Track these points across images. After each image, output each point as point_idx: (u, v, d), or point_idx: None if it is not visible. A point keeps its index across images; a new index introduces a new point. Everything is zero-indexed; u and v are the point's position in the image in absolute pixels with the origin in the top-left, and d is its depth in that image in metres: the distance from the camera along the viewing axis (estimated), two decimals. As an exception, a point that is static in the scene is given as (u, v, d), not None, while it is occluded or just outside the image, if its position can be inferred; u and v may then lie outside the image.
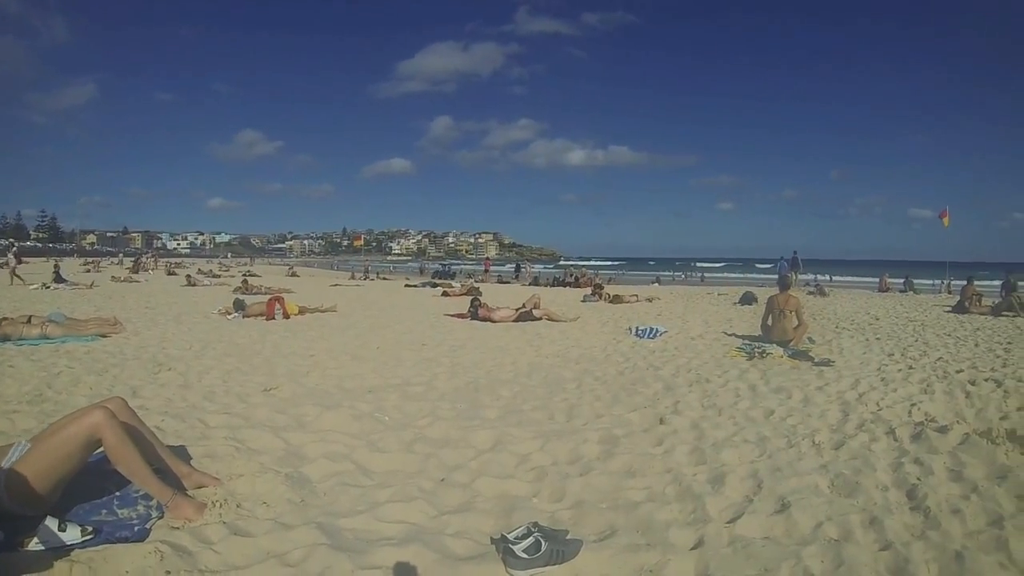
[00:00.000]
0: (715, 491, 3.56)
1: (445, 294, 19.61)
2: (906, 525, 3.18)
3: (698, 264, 72.39)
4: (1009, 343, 10.19)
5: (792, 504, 3.35)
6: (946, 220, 30.46)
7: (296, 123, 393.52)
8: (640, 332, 10.32)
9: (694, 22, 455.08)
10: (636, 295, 18.91)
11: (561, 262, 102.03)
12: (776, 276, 22.71)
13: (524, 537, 2.67)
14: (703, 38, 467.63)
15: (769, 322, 9.10)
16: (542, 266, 72.71)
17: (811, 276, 33.69)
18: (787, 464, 4.04)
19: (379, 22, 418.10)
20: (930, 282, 33.86)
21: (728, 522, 3.20)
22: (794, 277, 30.72)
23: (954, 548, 2.86)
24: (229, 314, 12.20)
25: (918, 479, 3.76)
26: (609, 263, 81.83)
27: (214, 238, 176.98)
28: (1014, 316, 14.59)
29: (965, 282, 17.64)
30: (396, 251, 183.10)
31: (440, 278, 31.64)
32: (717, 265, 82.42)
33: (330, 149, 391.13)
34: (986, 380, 6.69)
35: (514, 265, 41.23)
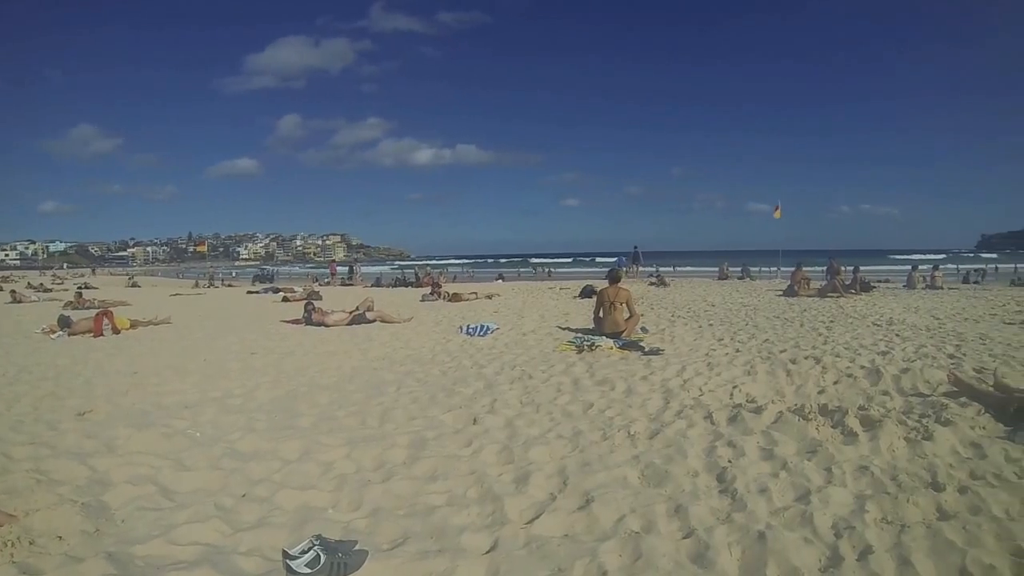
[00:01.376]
0: (518, 491, 3.78)
1: (286, 299, 19.06)
2: (712, 510, 3.45)
3: (542, 260, 74.32)
4: (831, 322, 11.74)
5: (595, 499, 3.56)
6: (778, 213, 34.49)
7: (137, 118, 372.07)
8: (471, 330, 11.02)
9: (545, 22, 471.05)
10: (475, 292, 19.24)
11: (408, 262, 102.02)
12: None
13: (305, 552, 2.83)
14: (552, 37, 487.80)
15: (600, 315, 9.52)
16: (389, 266, 71.96)
17: (653, 268, 35.75)
18: (598, 458, 4.31)
19: (228, 14, 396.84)
20: (765, 269, 36.79)
21: (527, 523, 3.38)
22: (636, 270, 34.86)
23: (758, 528, 3.13)
24: (53, 333, 12.13)
25: (729, 462, 4.13)
26: (457, 262, 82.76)
27: (47, 247, 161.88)
28: (838, 297, 17.05)
29: (794, 268, 20.02)
30: (244, 256, 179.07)
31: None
32: (566, 260, 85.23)
33: (174, 147, 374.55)
34: (806, 358, 7.53)
35: (347, 268, 40.48)
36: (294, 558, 2.79)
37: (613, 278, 10.29)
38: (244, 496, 3.80)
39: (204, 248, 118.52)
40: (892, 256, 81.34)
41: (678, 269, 46.32)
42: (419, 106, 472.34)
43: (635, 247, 36.82)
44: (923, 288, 21.79)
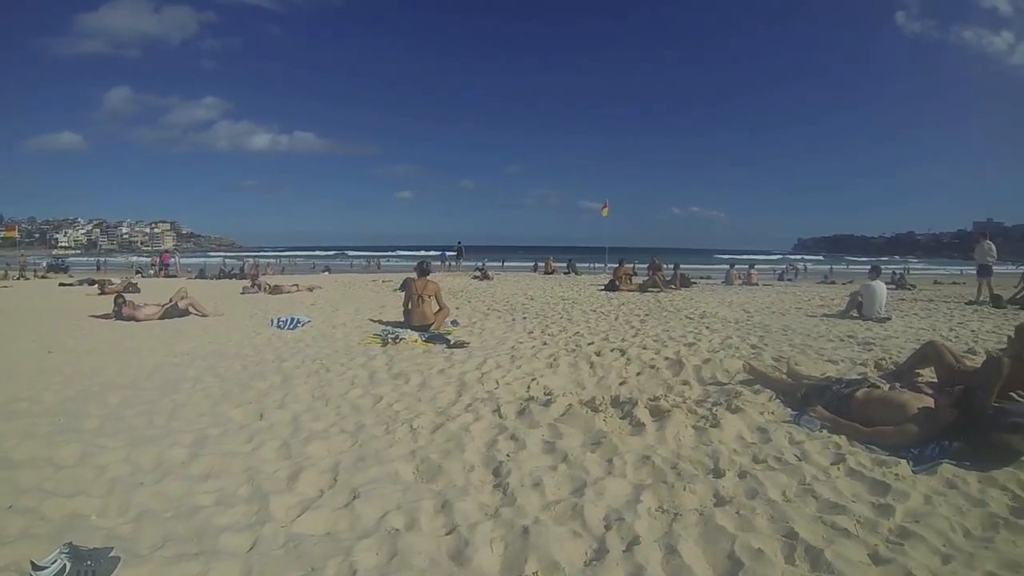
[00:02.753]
0: (288, 488, 3.71)
1: (103, 292, 17.58)
2: (481, 505, 3.38)
3: (372, 253, 73.87)
4: (647, 315, 12.25)
5: (361, 495, 3.47)
6: (605, 211, 35.67)
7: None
8: (281, 323, 10.98)
9: (394, 12, 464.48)
10: (297, 285, 18.62)
11: (237, 252, 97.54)
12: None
13: (53, 562, 2.76)
14: (399, 29, 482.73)
15: (409, 307, 9.28)
16: (214, 257, 68.46)
17: (480, 262, 36.47)
18: (374, 453, 4.21)
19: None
20: (593, 265, 38.27)
21: (290, 521, 3.28)
22: (459, 264, 37.17)
23: (523, 523, 3.08)
24: None
25: (508, 456, 4.09)
26: (288, 254, 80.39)
27: None
28: (657, 292, 18.13)
29: (617, 264, 21.30)
30: (63, 244, 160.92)
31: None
32: (405, 253, 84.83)
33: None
34: (612, 350, 7.72)
35: (157, 257, 38.34)
36: (41, 569, 2.72)
37: (422, 271, 10.23)
38: (10, 508, 3.47)
39: (14, 233, 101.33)
40: (718, 255, 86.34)
41: (507, 264, 47.28)
42: (259, 87, 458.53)
43: (459, 243, 39.50)
44: (740, 284, 23.41)
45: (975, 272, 19.07)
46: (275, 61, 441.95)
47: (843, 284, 26.28)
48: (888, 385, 5.44)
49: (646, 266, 24.42)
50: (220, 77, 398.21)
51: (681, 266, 23.27)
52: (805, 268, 43.29)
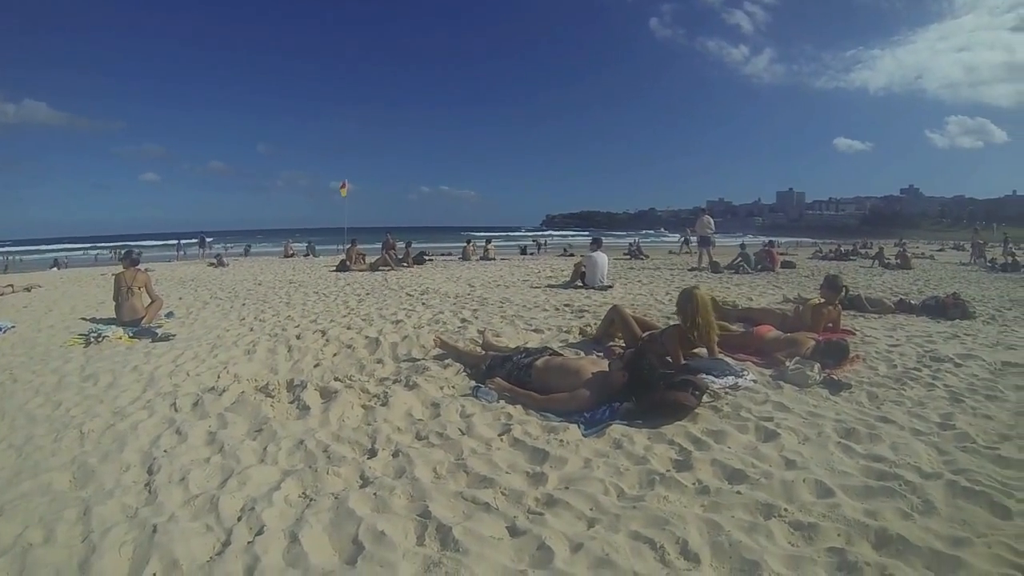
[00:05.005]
0: None
1: None
2: (124, 507, 3.27)
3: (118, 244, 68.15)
4: (367, 294, 12.48)
5: (4, 513, 3.21)
6: (344, 191, 35.18)
7: None
8: None
9: None
10: (12, 285, 16.47)
11: None
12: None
13: None
14: None
15: (118, 301, 8.66)
16: None
17: (221, 248, 35.31)
18: (33, 465, 3.90)
19: None
20: (338, 247, 38.11)
21: None
22: (203, 253, 35.59)
23: (156, 522, 3.02)
24: None
25: (165, 451, 3.98)
26: (16, 248, 71.02)
27: None
28: (389, 270, 18.47)
29: (349, 244, 21.31)
30: None
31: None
32: (152, 243, 78.48)
33: None
34: (315, 332, 7.77)
35: None
36: None
37: (131, 260, 9.66)
38: None
39: None
40: (469, 233, 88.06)
41: (252, 249, 46.15)
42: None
43: (202, 233, 40.06)
44: (477, 260, 24.16)
45: (696, 242, 21.57)
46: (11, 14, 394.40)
47: (582, 256, 27.81)
48: (575, 352, 5.91)
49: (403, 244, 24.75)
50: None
51: (414, 244, 23.72)
52: (546, 242, 45.59)
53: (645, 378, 4.57)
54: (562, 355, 5.54)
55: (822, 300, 8.19)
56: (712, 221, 21.24)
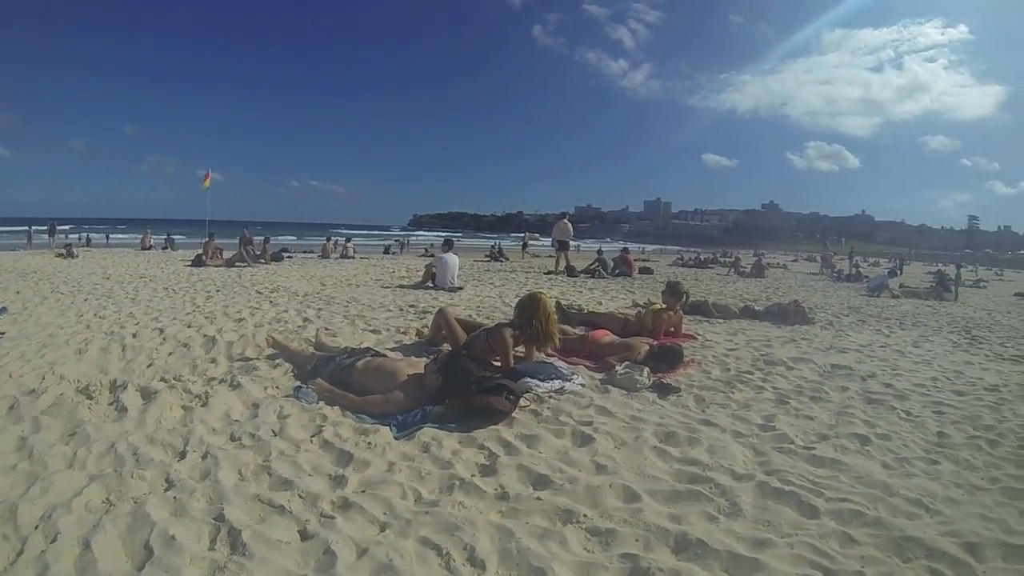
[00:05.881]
0: None
1: None
2: None
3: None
4: (217, 291, 12.25)
5: None
6: (207, 182, 34.19)
7: None
8: None
9: None
10: None
11: None
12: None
13: None
14: None
15: None
16: None
17: (76, 238, 33.90)
18: None
19: None
20: (197, 240, 37.37)
21: None
22: (52, 241, 34.60)
23: None
24: None
25: None
26: None
27: None
28: (245, 266, 18.19)
29: (207, 239, 20.99)
30: None
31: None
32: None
33: None
34: (154, 329, 7.55)
35: None
36: None
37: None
38: None
39: None
40: (337, 230, 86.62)
41: (112, 238, 44.46)
42: None
43: (52, 221, 38.35)
44: (336, 258, 24.07)
45: (553, 247, 22.23)
46: None
47: (433, 257, 28.11)
48: (402, 354, 6.01)
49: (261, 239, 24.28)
50: None
51: (278, 239, 23.42)
52: (408, 242, 45.74)
53: (459, 381, 4.63)
54: (384, 356, 5.61)
55: (664, 306, 8.53)
56: (571, 227, 21.84)
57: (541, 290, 7.35)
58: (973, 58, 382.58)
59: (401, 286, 13.95)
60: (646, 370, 5.88)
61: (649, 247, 79.29)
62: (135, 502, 3.12)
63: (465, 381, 4.65)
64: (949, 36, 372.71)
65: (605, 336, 7.23)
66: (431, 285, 13.62)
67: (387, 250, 36.02)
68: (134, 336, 7.08)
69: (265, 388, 5.03)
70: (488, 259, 28.26)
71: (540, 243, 44.41)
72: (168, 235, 34.01)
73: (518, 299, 6.49)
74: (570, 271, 19.59)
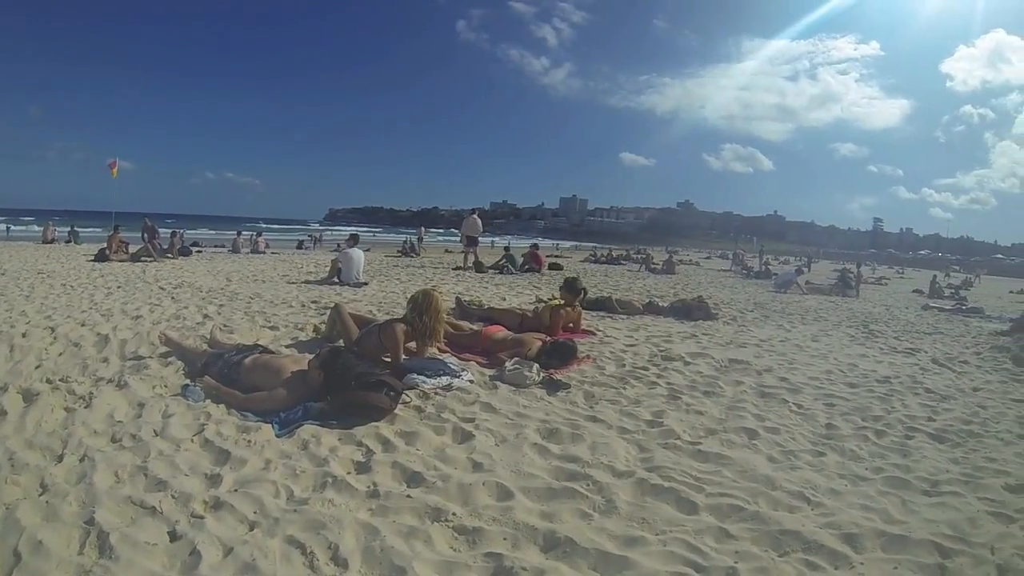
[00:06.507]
0: None
1: None
2: None
3: None
4: (119, 287, 11.75)
5: None
6: (114, 171, 33.04)
7: None
8: None
9: None
10: None
11: None
12: None
13: None
14: None
15: None
16: None
17: None
18: None
19: None
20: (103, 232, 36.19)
21: None
22: None
23: None
24: None
25: None
26: None
27: None
28: (151, 261, 17.53)
29: (111, 232, 20.43)
30: None
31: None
32: None
33: None
34: (46, 328, 7.25)
35: None
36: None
37: None
38: None
39: None
40: (253, 223, 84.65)
41: (13, 230, 42.80)
42: None
43: None
44: (247, 252, 23.76)
45: (462, 242, 22.39)
46: None
47: (339, 252, 28.02)
48: (294, 351, 6.01)
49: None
50: None
51: (183, 233, 22.92)
52: (321, 236, 45.35)
53: (339, 377, 4.63)
54: (273, 353, 5.59)
55: (561, 301, 8.64)
56: (480, 222, 21.96)
57: (435, 286, 7.42)
58: (883, 73, 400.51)
59: (307, 282, 13.87)
60: (536, 366, 5.95)
61: (566, 244, 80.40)
62: (7, 508, 3.04)
63: (345, 377, 4.63)
64: (861, 51, 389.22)
65: (499, 332, 7.28)
66: (337, 281, 13.58)
67: (300, 245, 35.68)
68: (24, 336, 6.80)
69: (153, 387, 4.96)
70: (400, 254, 28.26)
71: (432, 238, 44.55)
72: (72, 227, 32.75)
73: (410, 295, 6.50)
74: (478, 267, 19.70)
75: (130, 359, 5.94)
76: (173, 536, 2.88)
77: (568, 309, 8.57)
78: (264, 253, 24.96)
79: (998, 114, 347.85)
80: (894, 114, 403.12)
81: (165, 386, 5.03)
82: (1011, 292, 31.09)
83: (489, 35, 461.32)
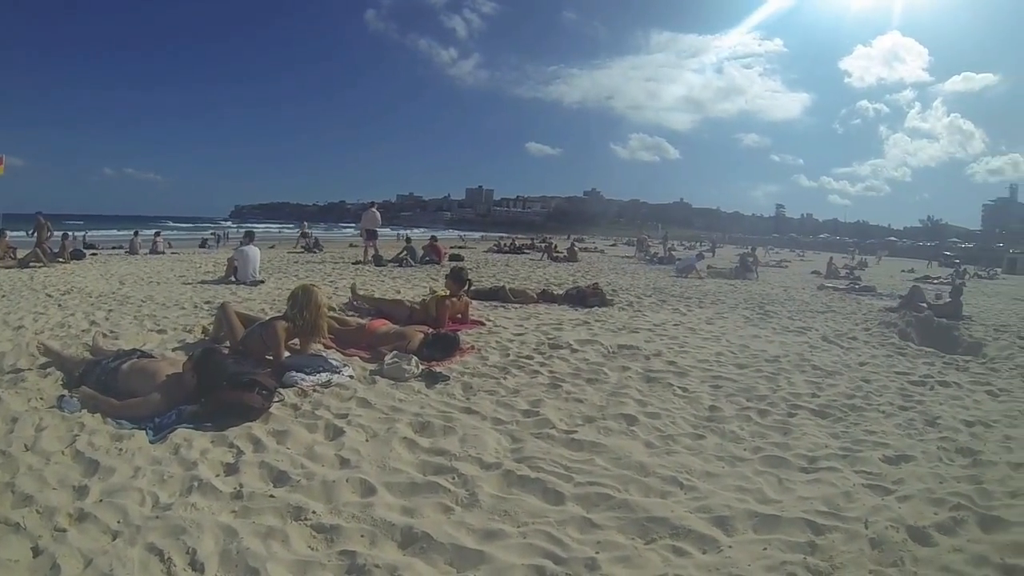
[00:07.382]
0: None
1: None
2: None
3: None
4: (2, 296, 10.99)
5: None
6: (0, 168, 31.15)
7: None
8: None
9: None
10: None
11: None
12: None
13: None
14: None
15: None
16: None
17: None
18: None
19: None
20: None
21: None
22: None
23: None
24: None
25: None
26: None
27: None
28: (41, 265, 16.69)
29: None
30: None
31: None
32: None
33: None
34: None
35: None
36: None
37: None
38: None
39: None
40: (156, 222, 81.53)
41: None
42: None
43: None
44: (145, 253, 23.03)
45: (362, 236, 22.28)
46: None
47: (234, 250, 27.43)
48: (180, 354, 5.89)
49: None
50: None
51: (82, 234, 22.02)
52: (226, 234, 44.09)
53: (212, 378, 4.54)
54: (150, 357, 5.44)
55: (447, 292, 8.70)
56: (378, 215, 21.94)
57: (314, 282, 7.40)
58: (785, 68, 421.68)
59: (204, 282, 13.52)
60: (414, 359, 5.94)
61: (473, 235, 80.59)
62: None
63: (218, 377, 4.54)
64: (766, 47, 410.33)
65: (382, 326, 7.26)
66: (233, 280, 13.29)
67: (204, 243, 34.52)
68: None
69: (29, 400, 4.74)
70: (302, 250, 27.82)
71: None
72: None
73: (290, 291, 6.42)
74: (377, 260, 19.63)
75: (8, 372, 5.61)
76: (36, 552, 2.80)
77: (454, 299, 8.61)
78: (164, 253, 24.17)
79: (892, 109, 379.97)
80: (796, 107, 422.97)
81: (41, 398, 4.80)
82: (903, 271, 32.46)
83: (398, 24, 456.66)
